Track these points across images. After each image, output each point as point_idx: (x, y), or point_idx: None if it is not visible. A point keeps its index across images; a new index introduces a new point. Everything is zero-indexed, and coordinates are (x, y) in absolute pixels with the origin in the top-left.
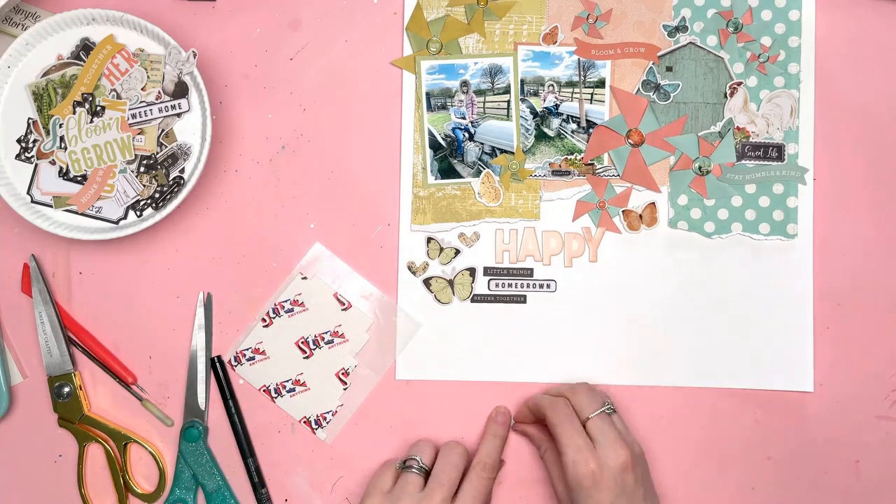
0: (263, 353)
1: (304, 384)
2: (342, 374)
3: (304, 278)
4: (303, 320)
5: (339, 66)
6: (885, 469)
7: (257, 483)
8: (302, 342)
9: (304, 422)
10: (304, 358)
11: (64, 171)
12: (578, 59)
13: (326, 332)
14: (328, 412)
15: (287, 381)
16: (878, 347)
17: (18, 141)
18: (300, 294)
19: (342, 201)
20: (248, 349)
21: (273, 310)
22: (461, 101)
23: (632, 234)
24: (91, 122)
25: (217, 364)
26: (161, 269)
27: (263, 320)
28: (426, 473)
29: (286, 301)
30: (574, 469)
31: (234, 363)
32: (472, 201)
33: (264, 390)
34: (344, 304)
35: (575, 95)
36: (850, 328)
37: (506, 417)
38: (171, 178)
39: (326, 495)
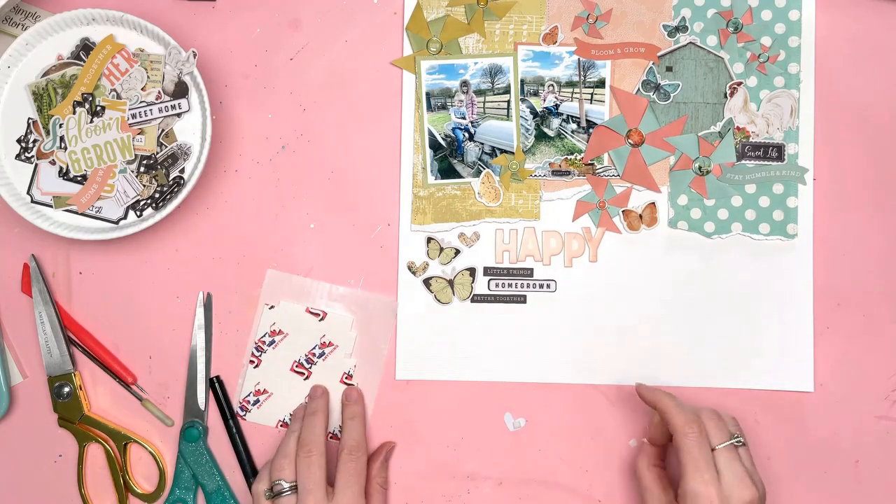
0: (265, 391)
1: None
2: (346, 377)
3: (272, 307)
4: (288, 346)
5: (339, 66)
6: (885, 469)
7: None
8: (296, 366)
9: (332, 437)
10: (305, 379)
11: (64, 171)
12: (578, 59)
13: (314, 347)
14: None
15: (298, 407)
16: (878, 347)
17: (18, 141)
18: (274, 324)
19: (342, 201)
20: (249, 394)
21: (256, 349)
22: (461, 101)
23: (632, 234)
24: (91, 122)
25: (216, 385)
26: (161, 269)
27: (251, 362)
28: (296, 488)
29: (265, 336)
30: (695, 500)
31: (242, 413)
32: (472, 201)
33: (282, 425)
34: (319, 315)
35: (575, 95)
36: (850, 328)
37: (359, 395)
38: (171, 178)
39: None
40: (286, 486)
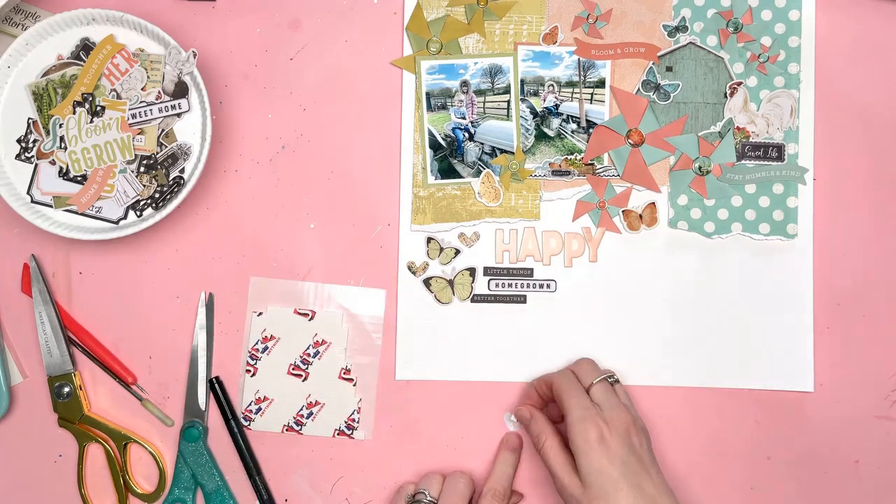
0: (265, 398)
1: (317, 403)
2: (344, 373)
3: (260, 314)
4: (281, 350)
5: (339, 66)
6: (885, 469)
7: (257, 484)
8: (293, 369)
9: (339, 434)
10: (304, 381)
11: (64, 171)
12: (578, 59)
13: (308, 348)
14: (353, 412)
15: (300, 409)
16: (878, 347)
17: (18, 141)
18: (264, 330)
19: (342, 201)
20: (250, 403)
21: (250, 357)
22: (461, 101)
23: (632, 234)
24: (91, 122)
25: (216, 385)
26: (161, 269)
27: (248, 371)
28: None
29: (257, 343)
30: (582, 426)
31: (246, 423)
32: (472, 201)
33: (287, 429)
34: (308, 315)
35: (575, 95)
36: (850, 328)
37: (518, 443)
38: (171, 178)
39: (326, 495)
40: (428, 498)
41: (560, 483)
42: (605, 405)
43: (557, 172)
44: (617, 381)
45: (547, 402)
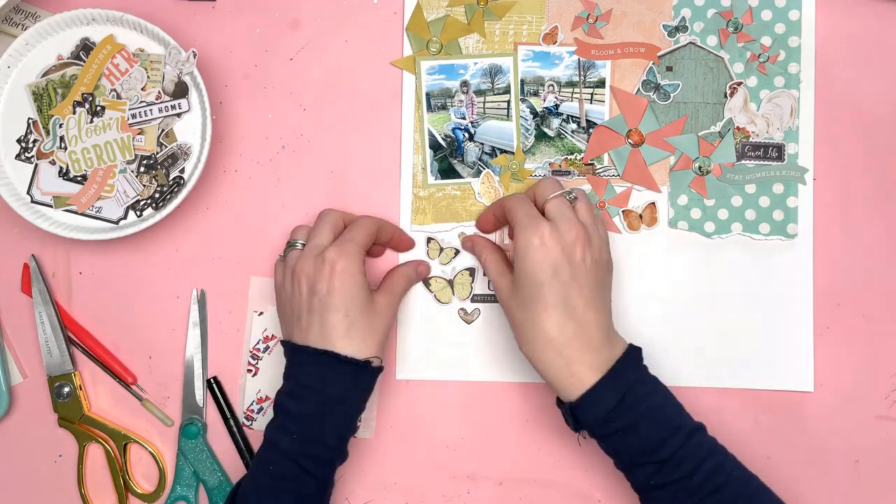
0: (267, 398)
1: None
2: None
3: (261, 314)
4: (281, 350)
5: (339, 66)
6: (885, 469)
7: None
8: None
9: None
10: None
11: (64, 171)
12: (578, 59)
13: None
14: None
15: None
16: (878, 347)
17: (18, 141)
18: (265, 329)
19: (342, 201)
20: (252, 403)
21: (252, 357)
22: (461, 101)
23: (632, 234)
24: (91, 122)
25: (214, 385)
26: (161, 269)
27: (249, 371)
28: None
29: (258, 342)
30: (525, 233)
31: (248, 423)
32: (472, 201)
33: None
34: None
35: (575, 95)
36: (850, 328)
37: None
38: (171, 178)
39: None
40: (301, 243)
41: (496, 288)
42: (558, 218)
43: (557, 172)
44: (576, 198)
45: (503, 225)
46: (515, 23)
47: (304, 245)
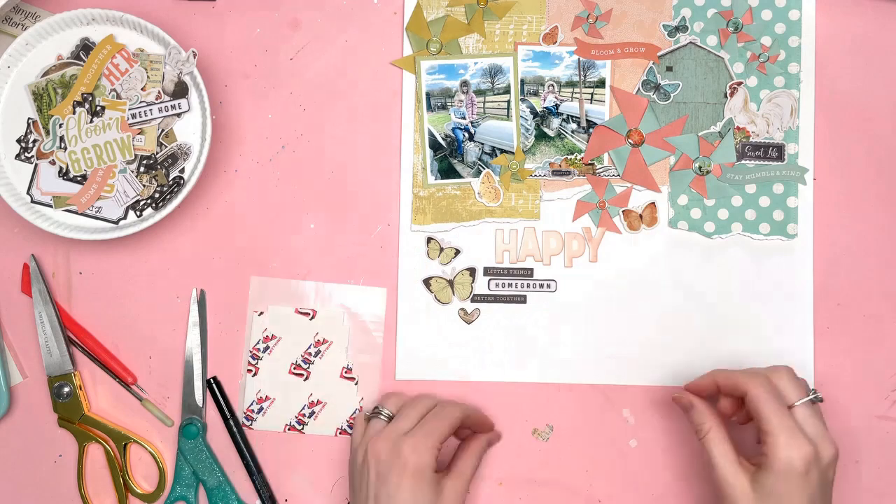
0: (267, 398)
1: (319, 402)
2: (346, 372)
3: (261, 314)
4: (283, 350)
5: (339, 66)
6: (885, 469)
7: (258, 484)
8: (294, 368)
9: (341, 433)
10: (305, 380)
11: (64, 171)
12: (578, 59)
13: (310, 347)
14: (355, 412)
15: (302, 408)
16: (878, 347)
17: (18, 141)
18: (266, 329)
19: (342, 202)
20: (252, 403)
21: (252, 357)
22: (461, 101)
23: (632, 234)
24: (91, 122)
25: (214, 385)
26: (161, 269)
27: (249, 371)
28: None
29: (258, 342)
30: (788, 452)
31: (248, 423)
32: (472, 201)
33: (289, 428)
34: (309, 314)
35: (575, 95)
36: (850, 328)
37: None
38: (171, 178)
39: (326, 495)
40: (386, 413)
41: (720, 475)
42: (813, 433)
43: (557, 172)
44: (821, 399)
45: (720, 394)
46: (515, 23)
47: (388, 418)
